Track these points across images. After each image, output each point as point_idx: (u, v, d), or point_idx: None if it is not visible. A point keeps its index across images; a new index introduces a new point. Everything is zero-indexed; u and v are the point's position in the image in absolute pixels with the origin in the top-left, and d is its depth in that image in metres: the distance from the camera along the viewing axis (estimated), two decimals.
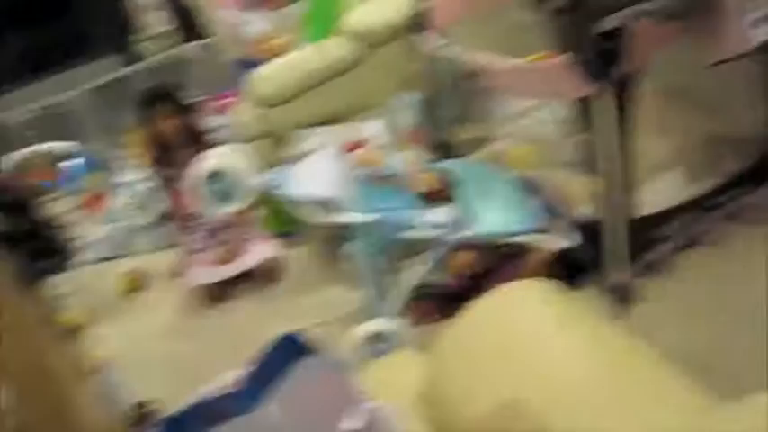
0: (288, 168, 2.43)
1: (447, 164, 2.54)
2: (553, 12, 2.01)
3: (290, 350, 1.16)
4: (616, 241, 2.20)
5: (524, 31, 3.72)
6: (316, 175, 2.34)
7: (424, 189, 2.39)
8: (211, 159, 2.35)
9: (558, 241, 2.25)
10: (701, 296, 2.25)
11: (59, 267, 1.55)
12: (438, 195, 2.36)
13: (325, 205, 2.32)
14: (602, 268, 2.34)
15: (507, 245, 2.33)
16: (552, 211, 2.38)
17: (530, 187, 2.50)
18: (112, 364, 2.38)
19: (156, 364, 2.73)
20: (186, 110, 3.16)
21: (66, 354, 1.78)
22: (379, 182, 2.48)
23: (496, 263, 2.46)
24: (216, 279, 3.04)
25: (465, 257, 2.38)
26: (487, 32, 3.98)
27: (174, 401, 2.36)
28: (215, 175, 2.28)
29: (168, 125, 3.04)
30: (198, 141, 3.09)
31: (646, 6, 1.89)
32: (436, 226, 2.18)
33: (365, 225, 2.18)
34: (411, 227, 2.18)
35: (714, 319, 2.15)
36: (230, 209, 2.34)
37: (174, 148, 3.09)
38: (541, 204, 2.39)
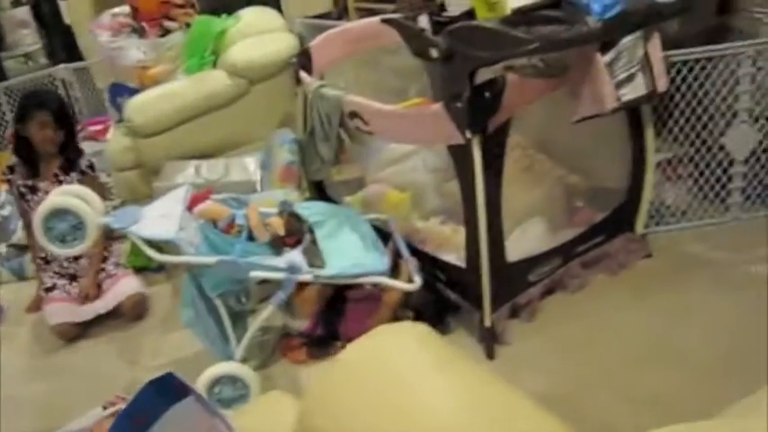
0: (133, 209, 2.37)
1: (304, 206, 2.55)
2: (430, 60, 2.06)
3: (164, 393, 1.11)
4: (483, 286, 2.26)
5: (400, 76, 3.85)
6: (162, 216, 2.30)
7: (268, 238, 2.39)
8: (55, 197, 2.27)
9: (403, 284, 2.29)
10: (563, 338, 2.36)
11: None
12: (287, 241, 2.36)
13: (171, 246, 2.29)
14: (470, 312, 2.41)
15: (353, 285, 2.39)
16: (401, 255, 2.43)
17: (382, 231, 2.55)
18: None
19: (8, 404, 2.55)
20: (66, 124, 2.97)
21: None
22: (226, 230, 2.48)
23: (345, 303, 2.52)
24: (75, 319, 2.88)
25: (308, 294, 2.42)
26: (366, 77, 4.09)
27: None
28: (59, 213, 2.18)
29: (42, 134, 2.88)
30: (68, 161, 2.96)
31: (517, 61, 1.99)
32: (280, 269, 2.19)
33: (206, 267, 2.15)
34: (254, 269, 2.17)
35: (575, 359, 2.26)
36: (73, 249, 2.25)
37: (43, 159, 2.95)
38: (390, 248, 2.44)
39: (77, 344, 2.85)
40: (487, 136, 2.10)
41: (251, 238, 2.39)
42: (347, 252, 2.32)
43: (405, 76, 3.77)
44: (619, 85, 2.08)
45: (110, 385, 2.52)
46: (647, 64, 2.12)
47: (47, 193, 2.68)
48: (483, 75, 2.09)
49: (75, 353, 2.81)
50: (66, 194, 2.27)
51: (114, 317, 2.92)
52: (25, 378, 2.72)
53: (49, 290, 2.98)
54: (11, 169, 3.03)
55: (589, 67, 2.06)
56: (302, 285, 2.37)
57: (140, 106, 3.41)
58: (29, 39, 6.30)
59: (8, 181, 3.08)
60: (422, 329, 1.27)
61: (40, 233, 2.19)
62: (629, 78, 2.10)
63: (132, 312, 2.90)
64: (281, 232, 2.36)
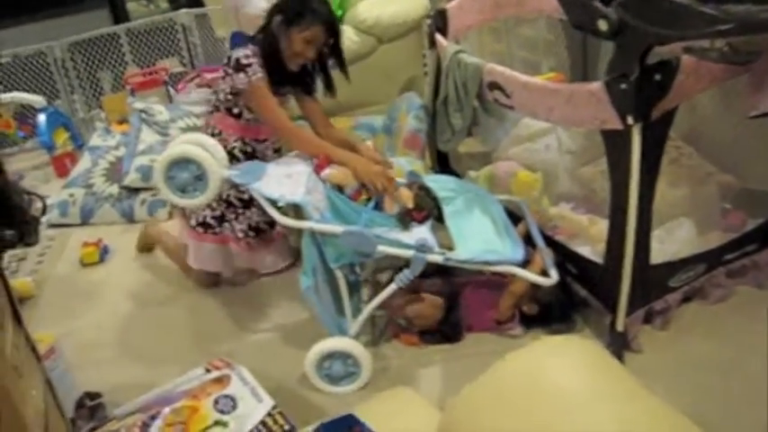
0: (258, 165, 2.26)
1: (432, 179, 2.37)
2: (594, 34, 1.84)
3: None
4: (621, 287, 2.06)
5: (532, 48, 3.62)
6: (288, 175, 2.17)
7: (397, 210, 2.24)
8: (180, 146, 2.18)
9: (538, 277, 2.08)
10: (699, 354, 2.14)
11: (22, 239, 1.37)
12: (415, 215, 2.20)
13: (295, 209, 2.18)
14: (599, 311, 2.22)
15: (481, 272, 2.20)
16: (533, 243, 2.23)
17: (515, 215, 2.36)
18: (60, 349, 2.16)
19: (107, 349, 2.53)
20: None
21: (9, 337, 1.58)
22: (353, 197, 2.33)
23: (468, 289, 2.34)
24: (259, 269, 2.79)
25: (427, 308, 2.26)
26: (491, 46, 3.87)
27: (125, 394, 2.21)
28: (182, 162, 2.11)
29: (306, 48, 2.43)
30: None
31: (699, 43, 1.75)
32: (410, 246, 2.01)
33: (332, 236, 2.00)
34: (382, 243, 2.01)
35: (713, 380, 2.03)
36: (193, 201, 2.16)
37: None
38: (520, 233, 2.26)
39: (181, 296, 2.81)
40: (650, 123, 1.87)
41: (377, 206, 2.25)
42: (478, 234, 2.14)
43: (537, 48, 3.55)
44: None
45: (213, 339, 2.49)
46: None
47: None
48: (653, 54, 1.86)
49: (182, 305, 2.77)
50: (191, 143, 2.19)
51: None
52: (126, 324, 2.70)
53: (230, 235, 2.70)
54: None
55: None
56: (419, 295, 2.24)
57: None
58: None
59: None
60: (589, 346, 1.10)
61: (161, 180, 2.12)
62: None
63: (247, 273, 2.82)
64: (410, 205, 2.21)
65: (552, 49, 3.40)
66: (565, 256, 2.30)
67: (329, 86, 2.58)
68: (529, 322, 2.29)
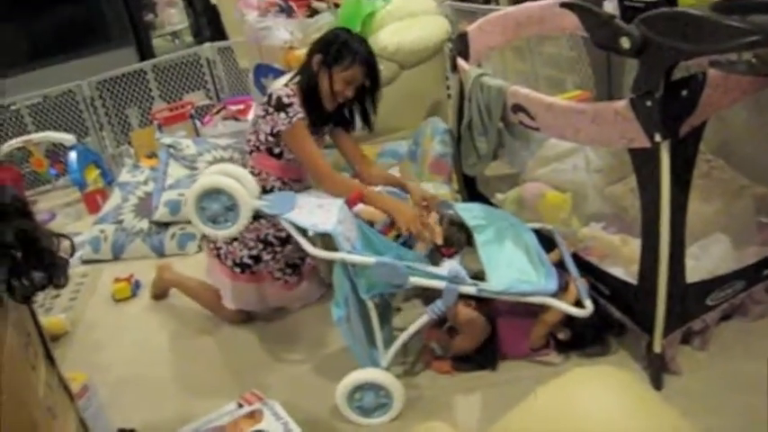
0: (289, 195, 2.25)
1: (462, 207, 2.35)
2: (617, 52, 1.82)
3: None
4: (657, 308, 2.01)
5: (555, 66, 3.59)
6: (320, 206, 2.17)
7: (426, 251, 2.23)
8: (211, 176, 2.20)
9: (574, 309, 2.04)
10: (741, 375, 2.07)
11: (51, 281, 1.38)
12: (444, 252, 2.19)
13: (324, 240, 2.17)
14: (634, 333, 2.17)
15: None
16: (566, 270, 2.19)
17: (547, 243, 2.32)
18: (93, 387, 2.16)
19: (140, 384, 2.54)
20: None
21: (42, 377, 1.59)
22: (384, 232, 2.34)
23: (502, 317, 2.28)
24: (293, 305, 2.79)
25: (466, 313, 2.19)
26: (514, 65, 3.85)
27: (159, 430, 2.21)
28: (213, 193, 2.12)
29: (341, 89, 2.42)
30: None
31: (725, 56, 1.71)
32: (442, 278, 2.00)
33: (363, 267, 2.00)
34: (414, 275, 2.00)
35: (756, 402, 1.94)
36: (225, 231, 2.17)
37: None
38: (552, 260, 2.22)
39: (212, 330, 2.81)
40: (678, 140, 1.84)
41: (405, 243, 2.23)
42: (511, 264, 2.11)
43: (561, 66, 3.53)
44: None
45: (247, 375, 2.47)
46: None
47: None
48: (685, 69, 1.83)
49: (218, 338, 2.76)
50: (222, 174, 2.20)
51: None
52: (159, 359, 2.71)
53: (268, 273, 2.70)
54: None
55: None
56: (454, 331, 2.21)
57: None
58: (176, 17, 6.49)
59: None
60: (626, 378, 1.07)
61: (192, 211, 2.13)
62: None
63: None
64: (440, 241, 2.18)
65: (576, 66, 3.37)
66: (597, 278, 2.26)
67: (367, 121, 2.58)
68: (563, 347, 2.25)
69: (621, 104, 1.86)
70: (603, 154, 2.73)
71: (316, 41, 2.49)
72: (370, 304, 2.03)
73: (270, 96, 2.44)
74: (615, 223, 2.55)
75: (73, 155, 4.36)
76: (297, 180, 2.58)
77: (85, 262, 3.62)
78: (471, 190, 2.90)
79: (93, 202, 4.29)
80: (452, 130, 2.85)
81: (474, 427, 2.04)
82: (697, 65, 1.83)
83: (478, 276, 2.05)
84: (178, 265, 3.21)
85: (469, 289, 1.98)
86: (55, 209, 4.50)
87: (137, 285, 3.26)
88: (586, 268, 2.26)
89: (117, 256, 3.61)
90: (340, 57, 2.37)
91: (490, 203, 2.80)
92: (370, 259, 1.98)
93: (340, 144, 2.64)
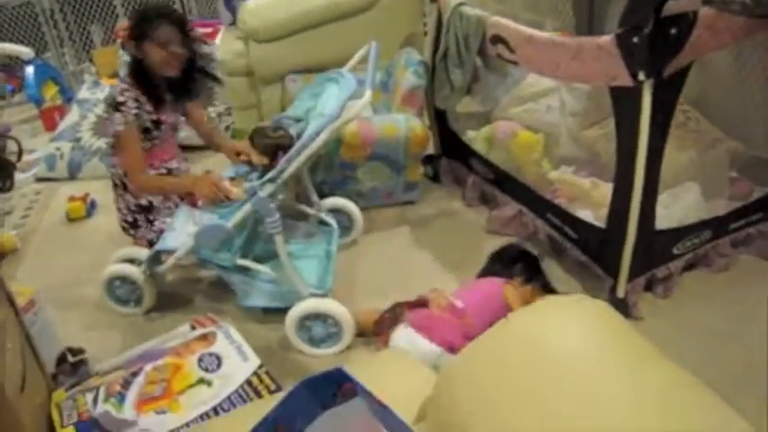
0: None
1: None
2: None
3: (321, 393, 0.89)
4: (624, 253, 1.99)
5: (534, 9, 3.50)
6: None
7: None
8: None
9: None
10: (700, 323, 2.06)
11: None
12: (273, 164, 2.12)
13: None
14: (601, 278, 2.15)
15: None
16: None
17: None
18: (42, 303, 2.08)
19: (91, 304, 2.45)
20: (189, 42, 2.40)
21: None
22: None
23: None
24: None
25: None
26: (493, 6, 3.74)
27: (108, 351, 2.14)
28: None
29: (163, 53, 2.30)
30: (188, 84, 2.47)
31: None
32: (244, 201, 2.06)
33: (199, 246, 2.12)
34: (228, 218, 2.08)
35: (713, 349, 1.95)
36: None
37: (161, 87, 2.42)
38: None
39: None
40: (662, 80, 1.78)
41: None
42: None
43: (541, 9, 3.43)
44: None
45: (201, 301, 2.42)
46: None
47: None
48: (677, 6, 1.75)
49: None
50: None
51: None
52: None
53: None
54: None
55: None
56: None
57: (257, 9, 3.20)
58: None
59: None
60: (599, 306, 1.03)
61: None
62: None
63: None
64: (265, 161, 2.19)
65: (557, 9, 3.29)
66: (564, 221, 2.23)
67: (216, 80, 2.60)
68: None
69: (606, 39, 1.80)
70: (579, 96, 2.67)
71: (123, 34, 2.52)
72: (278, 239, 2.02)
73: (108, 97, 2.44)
74: (586, 167, 2.51)
75: (30, 69, 4.17)
76: (163, 160, 2.48)
77: (40, 180, 3.49)
78: (442, 125, 2.83)
79: (50, 120, 4.13)
80: (427, 62, 2.76)
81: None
82: (689, 2, 1.76)
83: None
84: None
85: (269, 187, 1.99)
86: (11, 125, 4.32)
87: (92, 205, 3.15)
88: (554, 211, 2.22)
89: (73, 175, 3.48)
90: (142, 27, 2.32)
91: (460, 140, 2.74)
92: (188, 240, 2.10)
93: (191, 118, 2.59)
